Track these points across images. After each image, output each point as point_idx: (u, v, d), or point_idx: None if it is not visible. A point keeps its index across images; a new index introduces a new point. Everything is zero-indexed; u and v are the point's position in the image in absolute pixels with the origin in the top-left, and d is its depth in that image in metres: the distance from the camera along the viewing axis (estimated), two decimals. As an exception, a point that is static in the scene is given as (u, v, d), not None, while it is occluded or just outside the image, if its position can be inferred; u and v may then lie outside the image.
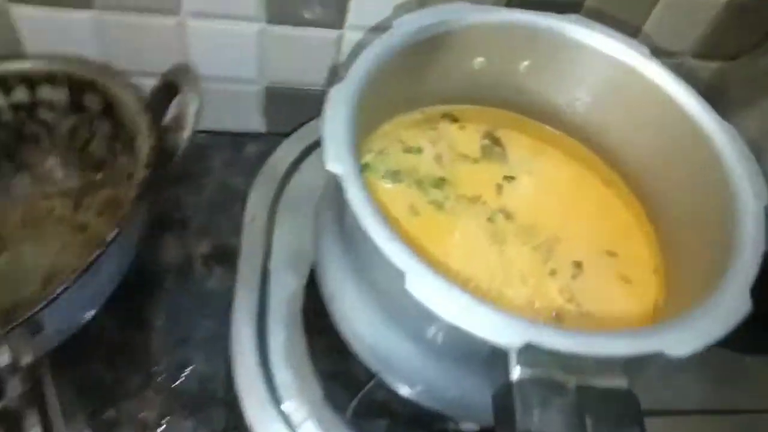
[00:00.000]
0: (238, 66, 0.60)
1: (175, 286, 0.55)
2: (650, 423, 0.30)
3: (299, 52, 0.59)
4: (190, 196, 0.61)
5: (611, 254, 0.45)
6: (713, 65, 0.65)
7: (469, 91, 0.48)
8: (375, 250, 0.31)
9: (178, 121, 0.47)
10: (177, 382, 0.50)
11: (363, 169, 0.44)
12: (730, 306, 0.32)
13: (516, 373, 0.29)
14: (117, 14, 0.54)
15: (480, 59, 0.46)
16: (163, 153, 0.46)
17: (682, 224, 0.42)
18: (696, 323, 0.31)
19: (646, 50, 0.44)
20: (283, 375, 0.46)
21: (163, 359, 0.51)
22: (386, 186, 0.44)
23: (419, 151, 0.47)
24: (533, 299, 0.41)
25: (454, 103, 0.49)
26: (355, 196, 0.32)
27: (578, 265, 0.44)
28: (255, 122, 0.65)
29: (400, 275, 0.30)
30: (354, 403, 0.46)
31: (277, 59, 0.59)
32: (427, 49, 0.43)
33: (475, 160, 0.48)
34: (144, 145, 0.45)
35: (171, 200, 0.60)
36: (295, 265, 0.52)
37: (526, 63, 0.46)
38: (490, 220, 0.44)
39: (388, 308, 0.36)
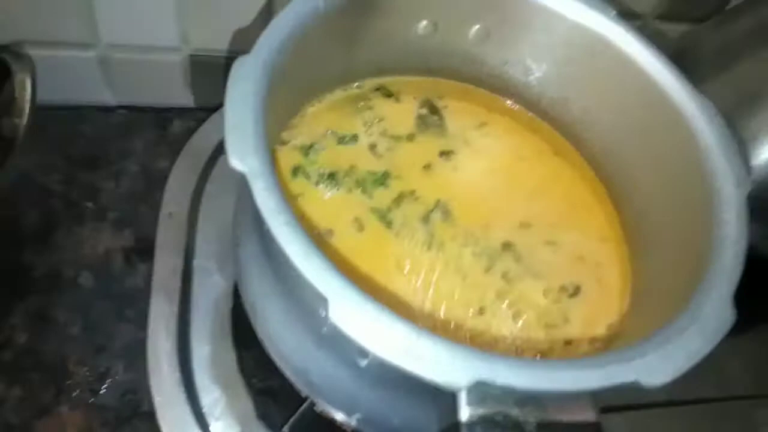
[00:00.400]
0: (156, 32, 0.53)
1: (92, 285, 0.49)
2: (611, 419, 0.25)
3: (225, 14, 0.53)
4: (107, 182, 0.54)
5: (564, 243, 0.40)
6: (680, 28, 0.59)
7: (411, 61, 0.42)
8: (293, 269, 0.24)
9: (13, 109, 0.43)
10: (95, 397, 0.45)
11: (294, 173, 0.39)
12: (712, 318, 0.27)
13: (465, 413, 0.24)
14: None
15: (424, 23, 0.39)
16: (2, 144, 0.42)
17: (651, 214, 0.37)
18: (674, 343, 0.26)
19: (612, 12, 0.38)
20: (209, 392, 0.41)
21: (78, 371, 0.45)
22: (324, 196, 0.39)
23: (354, 139, 0.42)
24: (485, 314, 0.35)
25: (394, 74, 0.43)
26: (265, 201, 0.25)
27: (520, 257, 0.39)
28: (180, 96, 0.59)
29: (322, 300, 0.24)
30: (291, 421, 0.40)
31: (201, 22, 0.53)
32: (359, 10, 0.36)
33: (410, 137, 0.43)
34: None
35: (84, 188, 0.53)
36: (222, 263, 0.45)
37: (476, 27, 0.40)
38: (424, 220, 0.39)
39: (317, 330, 0.30)
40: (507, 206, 0.41)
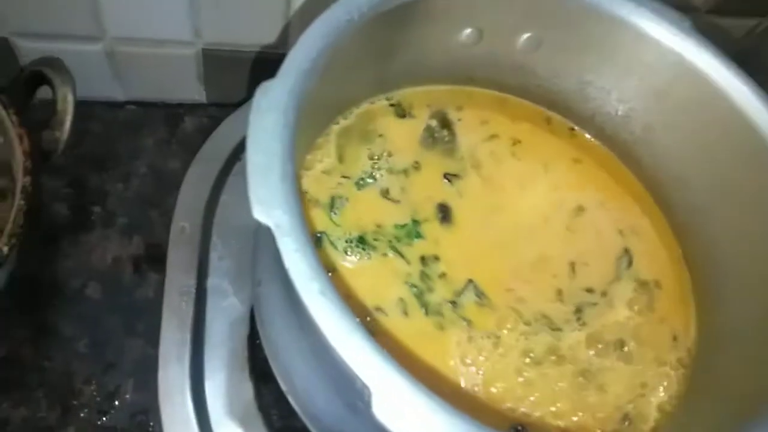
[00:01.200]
0: (167, 24, 0.50)
1: (100, 297, 0.47)
2: None
3: (240, 6, 0.49)
4: (116, 184, 0.52)
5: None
6: (735, 23, 0.55)
7: (451, 70, 0.38)
8: (330, 349, 0.21)
9: (54, 123, 0.42)
10: (104, 418, 0.43)
11: (318, 243, 0.36)
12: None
13: None
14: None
15: (468, 30, 0.35)
16: (39, 156, 0.40)
17: (722, 258, 0.32)
18: None
19: (688, 23, 0.33)
20: (224, 426, 0.39)
21: (86, 389, 0.43)
22: (353, 266, 0.35)
23: (371, 178, 0.38)
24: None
25: (428, 84, 0.39)
26: (296, 265, 0.22)
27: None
28: (192, 91, 0.56)
29: (364, 388, 0.21)
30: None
31: (214, 15, 0.49)
32: (397, 19, 0.32)
33: (417, 165, 0.40)
34: (17, 151, 0.39)
35: (92, 191, 0.51)
36: (238, 283, 0.42)
37: (526, 35, 0.36)
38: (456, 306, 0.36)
39: (354, 401, 0.26)
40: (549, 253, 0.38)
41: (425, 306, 0.35)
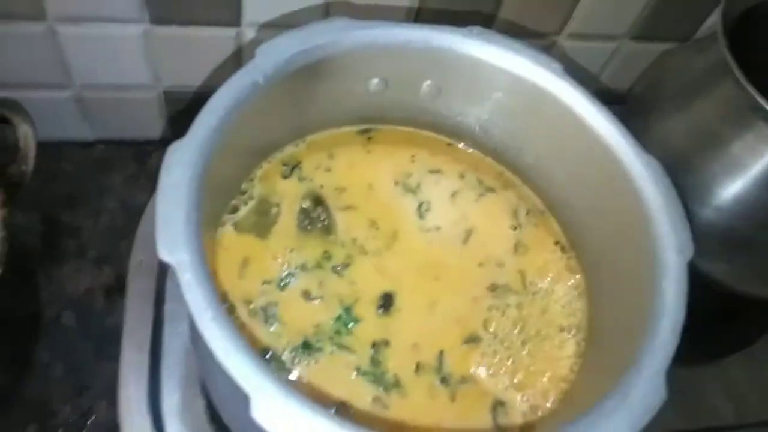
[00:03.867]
0: (128, 72, 0.54)
1: (74, 324, 0.50)
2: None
3: (194, 53, 0.53)
4: (87, 219, 0.55)
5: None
6: (656, 47, 0.59)
7: (364, 113, 0.42)
8: (219, 365, 0.25)
9: (19, 156, 0.45)
10: None
11: (269, 362, 0.37)
12: (642, 400, 0.27)
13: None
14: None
15: (375, 80, 0.39)
16: (9, 188, 0.43)
17: (601, 271, 0.37)
18: (600, 428, 0.27)
19: (558, 67, 0.38)
20: None
21: (62, 410, 0.46)
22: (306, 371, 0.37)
23: (291, 277, 0.40)
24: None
25: (344, 125, 0.43)
26: (193, 296, 0.26)
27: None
28: (159, 129, 0.60)
29: (245, 397, 0.25)
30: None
31: (171, 62, 0.53)
32: (305, 77, 0.36)
33: (318, 263, 0.41)
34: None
35: (64, 226, 0.54)
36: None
37: (427, 83, 0.40)
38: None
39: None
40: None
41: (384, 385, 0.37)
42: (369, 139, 0.45)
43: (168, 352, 0.45)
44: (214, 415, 0.43)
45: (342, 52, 0.37)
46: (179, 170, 0.29)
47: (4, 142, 0.48)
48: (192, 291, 0.27)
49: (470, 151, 0.44)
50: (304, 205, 0.42)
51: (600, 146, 0.36)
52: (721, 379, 0.52)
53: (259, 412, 0.25)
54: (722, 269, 0.45)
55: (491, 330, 0.40)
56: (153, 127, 0.59)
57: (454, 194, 0.44)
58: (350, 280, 0.40)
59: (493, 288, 0.41)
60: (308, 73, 0.36)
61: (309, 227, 0.42)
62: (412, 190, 0.44)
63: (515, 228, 0.44)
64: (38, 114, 0.49)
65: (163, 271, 0.49)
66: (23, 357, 0.47)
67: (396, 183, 0.44)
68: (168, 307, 0.47)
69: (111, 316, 0.50)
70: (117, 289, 0.51)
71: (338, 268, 0.41)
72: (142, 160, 0.59)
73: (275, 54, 0.34)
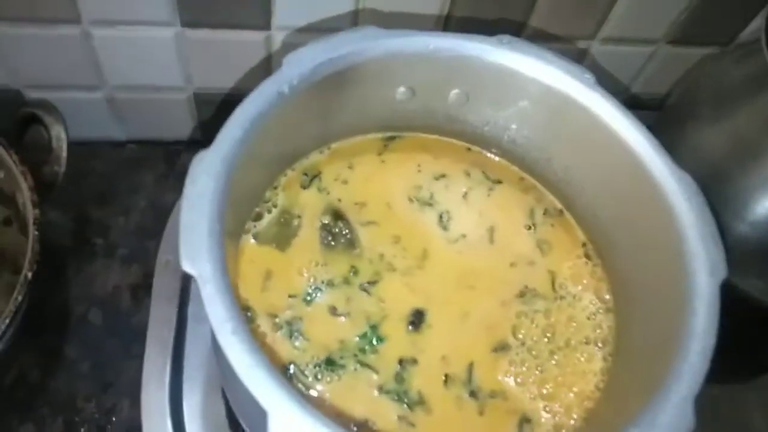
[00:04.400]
0: (160, 74, 0.54)
1: (101, 322, 0.50)
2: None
3: (225, 56, 0.53)
4: (117, 218, 0.55)
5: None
6: (694, 51, 0.57)
7: (391, 121, 0.41)
8: (238, 379, 0.25)
9: (51, 158, 0.46)
10: None
11: (288, 377, 0.37)
12: (668, 424, 0.27)
13: None
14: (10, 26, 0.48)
15: (402, 89, 0.39)
16: (41, 188, 0.44)
17: (631, 288, 0.36)
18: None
19: (590, 78, 0.37)
20: None
21: (87, 407, 0.47)
22: (326, 387, 0.36)
23: (318, 291, 0.40)
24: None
25: (371, 132, 0.42)
26: (214, 308, 0.26)
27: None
28: (188, 129, 0.60)
29: (263, 412, 0.25)
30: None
31: (202, 64, 0.54)
32: (331, 86, 0.36)
33: (347, 279, 0.40)
34: (22, 186, 0.43)
35: (95, 224, 0.55)
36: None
37: (455, 91, 0.39)
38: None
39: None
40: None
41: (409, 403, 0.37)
42: (385, 146, 0.45)
43: (190, 354, 0.45)
44: (233, 419, 0.43)
45: (369, 61, 0.36)
46: (203, 181, 0.29)
47: (38, 142, 0.49)
48: (213, 303, 0.27)
49: (497, 159, 0.43)
50: (324, 221, 0.42)
51: (632, 160, 0.35)
52: (758, 398, 0.50)
53: (276, 429, 0.24)
54: (758, 286, 0.44)
55: (520, 337, 0.39)
56: (183, 128, 0.60)
57: (465, 195, 0.44)
58: (379, 297, 0.40)
59: (522, 294, 0.41)
60: (335, 82, 0.36)
61: (332, 243, 0.42)
62: (429, 203, 0.44)
63: (530, 227, 0.43)
64: (71, 114, 0.51)
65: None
66: (51, 352, 0.48)
67: (410, 200, 0.44)
68: (191, 309, 0.47)
69: (137, 315, 0.51)
70: (143, 288, 0.52)
71: (366, 285, 0.40)
72: (171, 160, 0.60)
73: (301, 64, 0.34)
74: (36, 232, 0.42)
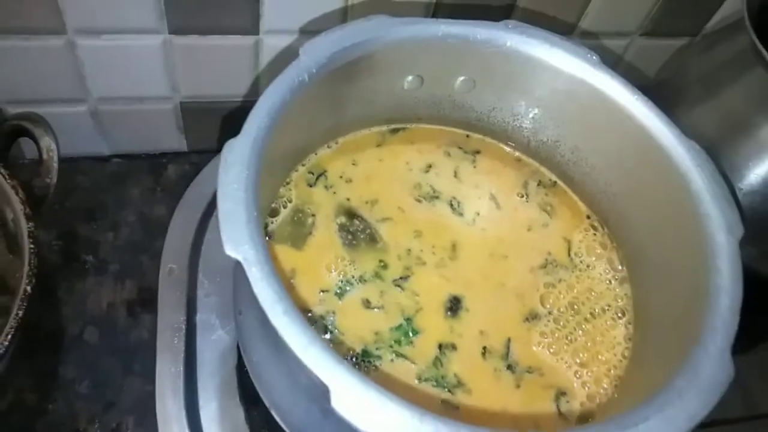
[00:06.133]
0: (146, 83, 0.53)
1: (97, 340, 0.49)
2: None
3: (212, 63, 0.53)
4: (107, 233, 0.54)
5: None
6: (667, 43, 0.60)
7: (399, 111, 0.42)
8: (295, 358, 0.25)
9: (42, 170, 0.45)
10: None
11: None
12: (711, 377, 0.28)
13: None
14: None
15: (410, 78, 0.39)
16: (34, 201, 0.43)
17: (648, 259, 0.37)
18: (674, 406, 0.27)
19: (596, 58, 0.38)
20: None
21: (90, 429, 0.45)
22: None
23: (349, 285, 0.40)
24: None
25: (381, 124, 0.42)
26: (263, 290, 0.26)
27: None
28: (173, 141, 0.59)
29: (325, 389, 0.24)
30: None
31: (189, 72, 0.53)
32: (345, 76, 0.36)
33: (374, 274, 0.41)
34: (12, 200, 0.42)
35: (84, 241, 0.53)
36: (224, 317, 0.45)
37: (461, 78, 0.40)
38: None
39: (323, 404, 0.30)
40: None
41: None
42: (392, 135, 0.46)
43: (203, 363, 0.44)
44: (254, 425, 0.42)
45: (382, 48, 0.37)
46: (236, 169, 0.29)
47: (25, 157, 0.48)
48: (261, 285, 0.26)
49: (508, 149, 0.44)
50: (339, 222, 0.42)
51: (642, 133, 0.36)
52: (755, 367, 0.52)
53: (339, 404, 0.24)
54: (752, 254, 0.46)
55: (548, 307, 0.40)
56: (168, 139, 0.59)
57: (456, 174, 0.45)
58: (413, 291, 0.40)
59: (544, 265, 0.42)
60: (348, 71, 0.36)
61: (354, 242, 0.42)
62: (434, 197, 0.45)
63: (522, 196, 0.45)
64: (54, 130, 0.49)
65: (193, 280, 0.48)
66: (48, 374, 0.47)
67: (418, 200, 0.45)
68: (200, 317, 0.46)
69: (134, 331, 0.49)
70: (139, 303, 0.51)
71: (399, 281, 0.41)
72: (158, 172, 0.59)
73: (318, 52, 0.35)
74: (32, 245, 0.41)
